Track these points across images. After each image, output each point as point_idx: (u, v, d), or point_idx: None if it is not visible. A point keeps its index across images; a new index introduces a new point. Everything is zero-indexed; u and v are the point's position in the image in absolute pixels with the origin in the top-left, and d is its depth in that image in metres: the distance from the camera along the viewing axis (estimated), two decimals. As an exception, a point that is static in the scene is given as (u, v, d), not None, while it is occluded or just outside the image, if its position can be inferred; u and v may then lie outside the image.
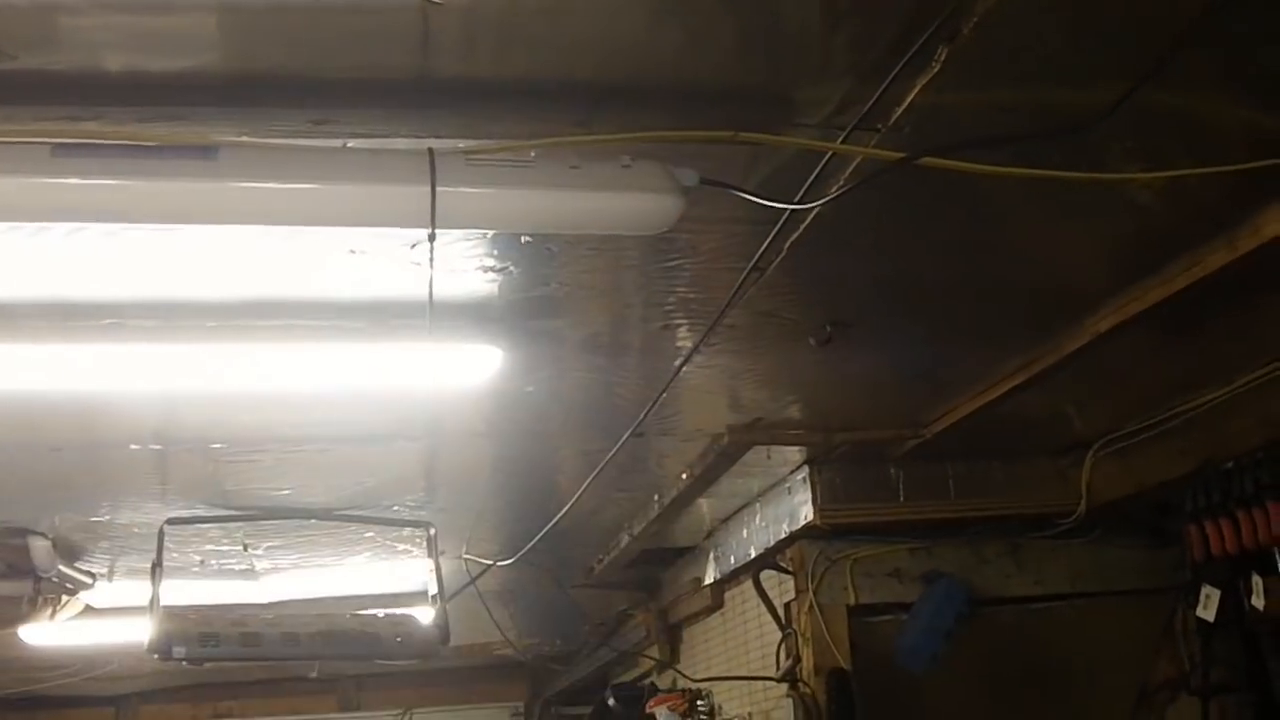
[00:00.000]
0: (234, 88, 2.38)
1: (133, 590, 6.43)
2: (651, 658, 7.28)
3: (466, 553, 6.30)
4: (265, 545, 5.98)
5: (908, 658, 5.01)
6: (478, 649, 8.91)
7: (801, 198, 2.67)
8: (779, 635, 5.38)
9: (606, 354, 3.93)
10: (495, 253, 3.11)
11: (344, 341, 3.55)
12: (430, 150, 2.30)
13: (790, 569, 5.27)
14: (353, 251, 3.04)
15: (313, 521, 5.49)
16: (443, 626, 5.34)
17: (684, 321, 3.67)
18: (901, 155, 2.39)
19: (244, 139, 2.40)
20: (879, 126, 2.48)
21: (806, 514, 4.96)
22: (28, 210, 2.32)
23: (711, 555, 6.18)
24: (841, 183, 2.65)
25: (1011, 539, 5.29)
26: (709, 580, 6.24)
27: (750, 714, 5.94)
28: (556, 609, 8.08)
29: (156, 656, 5.04)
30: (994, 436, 4.82)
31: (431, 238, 2.37)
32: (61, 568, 5.80)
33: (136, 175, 2.22)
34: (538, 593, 7.51)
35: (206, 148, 2.28)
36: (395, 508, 5.58)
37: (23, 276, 3.13)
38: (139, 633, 6.43)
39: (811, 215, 2.83)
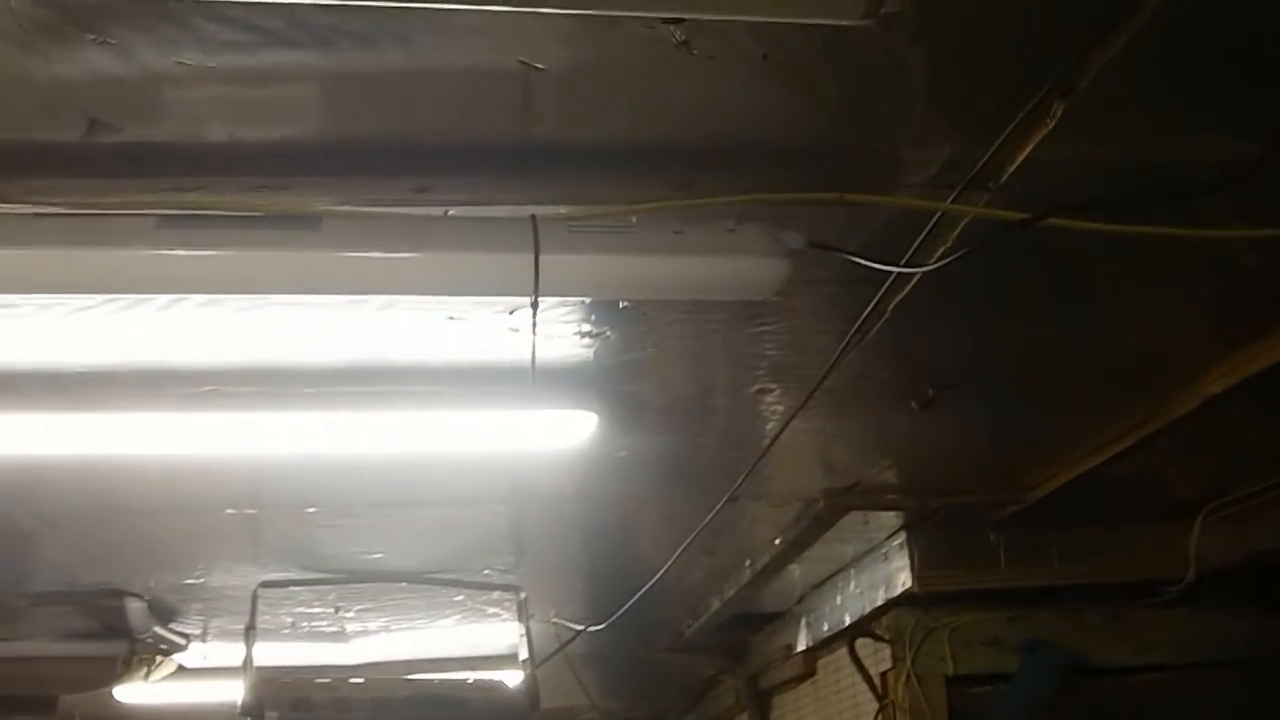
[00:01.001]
0: (335, 156, 2.38)
1: (225, 651, 6.47)
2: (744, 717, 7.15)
3: (555, 616, 6.25)
4: (356, 608, 5.98)
5: (1007, 730, 4.87)
6: (563, 713, 8.82)
7: (909, 259, 2.61)
8: (874, 705, 5.25)
9: (698, 417, 3.89)
10: (593, 317, 3.09)
11: (439, 407, 3.54)
12: (533, 217, 2.28)
13: (886, 637, 5.15)
14: (451, 318, 3.03)
15: (403, 584, 5.48)
16: (532, 692, 5.28)
17: (777, 385, 3.62)
18: (1024, 215, 2.32)
19: (346, 208, 2.40)
20: (989, 185, 2.42)
21: (904, 580, 4.85)
22: (133, 283, 2.33)
23: (803, 621, 6.07)
24: (950, 244, 2.59)
25: (1114, 606, 5.13)
26: (801, 647, 6.12)
27: (845, 785, 5.80)
28: (643, 673, 7.99)
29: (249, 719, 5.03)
30: (1097, 501, 4.69)
31: (534, 305, 2.35)
32: (156, 629, 5.84)
33: (240, 246, 2.23)
34: (624, 656, 7.43)
35: (309, 217, 2.27)
36: (485, 571, 5.56)
37: (122, 345, 3.15)
38: (230, 694, 6.46)
39: (917, 277, 2.77)
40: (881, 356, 3.36)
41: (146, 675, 6.38)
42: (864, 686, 5.36)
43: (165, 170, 2.36)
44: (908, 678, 4.96)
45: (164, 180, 2.38)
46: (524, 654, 5.45)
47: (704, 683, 7.82)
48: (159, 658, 6.29)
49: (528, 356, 3.25)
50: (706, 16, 1.92)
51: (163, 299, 2.88)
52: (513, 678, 5.57)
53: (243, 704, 5.05)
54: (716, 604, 6.13)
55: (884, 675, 5.21)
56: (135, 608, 5.60)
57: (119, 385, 3.37)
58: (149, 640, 5.93)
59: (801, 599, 6.08)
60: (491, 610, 6.10)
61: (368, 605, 5.98)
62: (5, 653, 6.13)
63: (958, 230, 2.59)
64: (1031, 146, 2.31)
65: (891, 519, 4.83)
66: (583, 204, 2.45)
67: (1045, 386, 3.70)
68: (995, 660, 5.03)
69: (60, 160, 2.32)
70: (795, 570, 5.58)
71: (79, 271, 2.28)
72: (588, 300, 2.99)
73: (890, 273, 2.69)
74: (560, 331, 3.15)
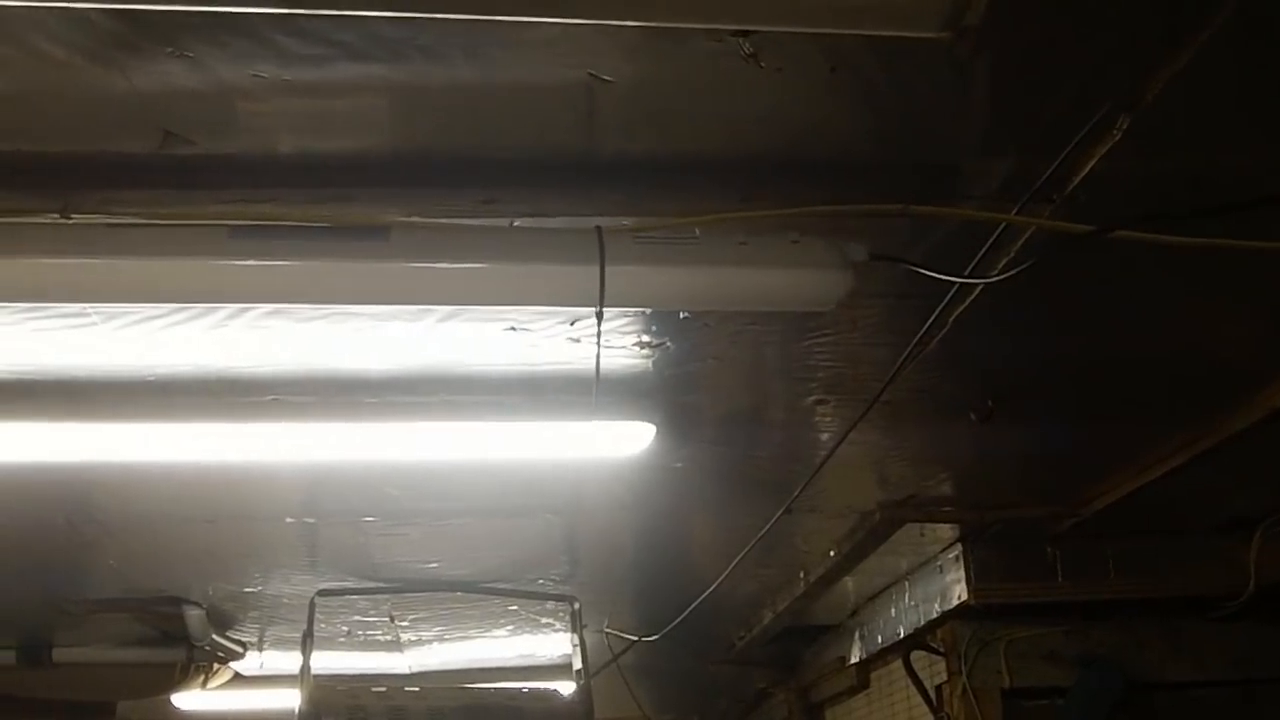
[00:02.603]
0: (403, 168, 2.41)
1: (280, 660, 6.53)
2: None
3: (608, 626, 6.26)
4: (411, 617, 6.01)
5: (1063, 744, 4.83)
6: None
7: (971, 271, 2.60)
8: (929, 718, 5.22)
9: (755, 429, 3.89)
10: (652, 328, 3.10)
11: (497, 417, 3.56)
12: (599, 229, 2.30)
13: (942, 650, 5.13)
14: (512, 328, 3.05)
15: (458, 594, 5.51)
16: (587, 702, 5.29)
17: (834, 397, 3.62)
18: (1090, 227, 2.31)
19: (414, 219, 2.43)
20: (1054, 197, 2.41)
21: (960, 593, 4.82)
22: (205, 292, 2.37)
23: (857, 634, 6.05)
24: (1013, 255, 2.58)
25: (1172, 621, 5.08)
26: (854, 659, 6.10)
27: (898, 799, 5.77)
28: (695, 685, 7.98)
29: (306, 727, 5.08)
30: (1155, 515, 4.65)
31: (599, 315, 2.37)
32: (214, 636, 5.90)
33: (311, 256, 2.26)
34: (676, 668, 7.43)
35: (378, 228, 2.30)
36: (539, 581, 5.58)
37: (187, 355, 3.20)
38: (285, 702, 6.53)
39: (978, 289, 2.76)
40: (940, 369, 3.35)
41: (204, 682, 6.45)
42: (918, 699, 5.33)
43: (237, 182, 2.40)
44: (964, 691, 4.93)
45: (236, 191, 2.42)
46: (578, 664, 5.46)
47: (756, 695, 7.80)
48: (216, 665, 6.36)
49: (587, 367, 3.27)
50: (784, 29, 1.93)
51: (229, 309, 2.92)
52: (566, 688, 5.58)
53: (300, 712, 5.09)
54: (769, 616, 6.12)
55: (939, 688, 5.19)
56: (194, 615, 5.67)
57: (183, 394, 3.41)
58: (207, 648, 5.99)
59: (855, 612, 6.06)
60: (545, 620, 6.12)
61: (422, 614, 6.02)
62: (66, 658, 6.21)
63: (1021, 242, 2.59)
64: (1097, 158, 2.30)
65: (947, 531, 4.81)
66: (647, 215, 2.46)
67: (1105, 399, 3.68)
68: (1051, 674, 4.99)
69: (135, 172, 2.36)
70: (849, 583, 5.56)
71: (153, 281, 2.32)
72: (648, 311, 3.00)
73: (951, 285, 2.68)
74: (620, 342, 3.17)
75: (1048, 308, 3.04)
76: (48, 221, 2.37)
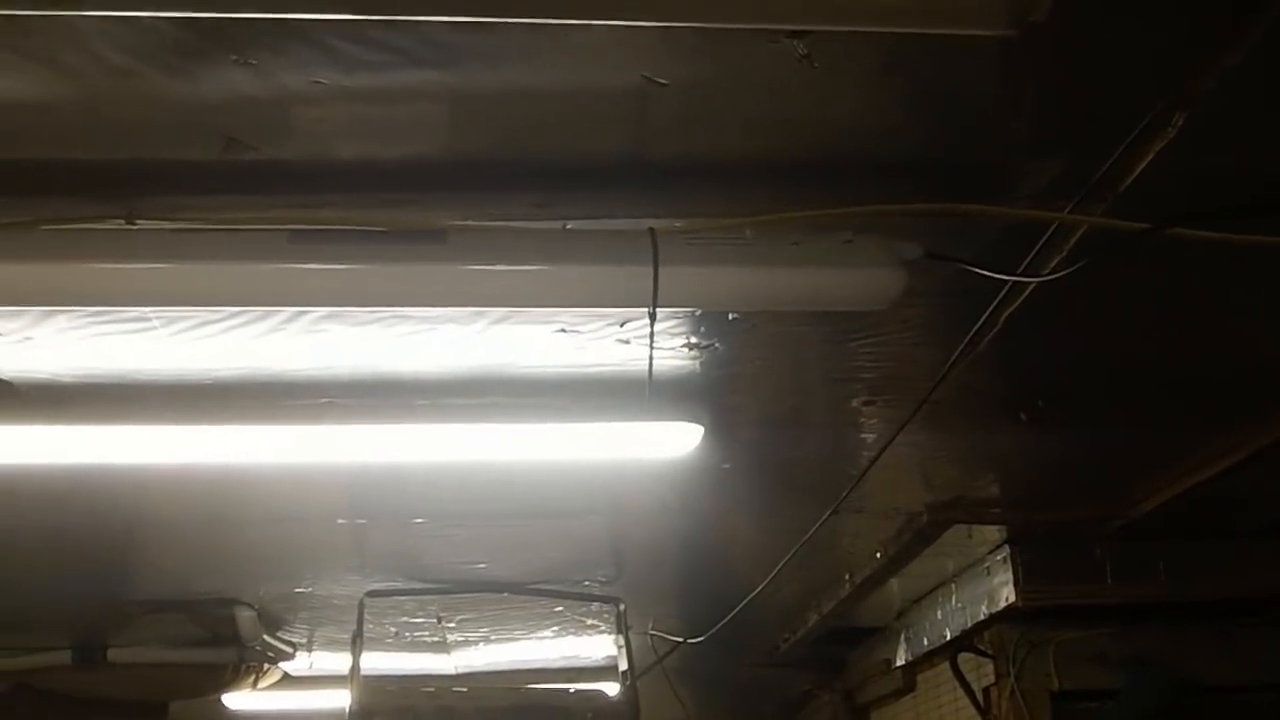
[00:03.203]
0: (459, 172, 2.44)
1: (329, 660, 6.59)
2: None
3: (652, 628, 6.28)
4: (458, 618, 6.06)
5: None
6: (657, 727, 8.84)
7: (1024, 270, 2.61)
8: (976, 720, 5.22)
9: (803, 430, 3.91)
10: (701, 329, 3.12)
11: (547, 419, 3.59)
12: (652, 230, 2.32)
13: (989, 652, 5.12)
14: (562, 330, 3.08)
15: (504, 595, 5.55)
16: (634, 703, 5.32)
17: (882, 398, 3.63)
18: (1145, 225, 2.32)
19: (469, 222, 2.46)
20: (1107, 195, 2.42)
21: (1007, 595, 4.81)
22: (266, 296, 2.41)
23: (902, 636, 6.04)
24: (1066, 254, 2.59)
25: (1222, 624, 5.05)
26: (900, 662, 6.09)
27: (945, 801, 5.76)
28: (739, 688, 7.98)
29: (357, 725, 5.12)
30: (1206, 517, 4.62)
31: (652, 317, 2.39)
32: (265, 637, 5.97)
33: (370, 260, 2.29)
34: (720, 671, 7.44)
35: (435, 231, 2.34)
36: (585, 583, 5.61)
37: (243, 359, 3.24)
38: (333, 702, 6.59)
39: (1030, 288, 2.77)
40: (990, 369, 3.35)
41: (254, 683, 6.51)
42: (965, 702, 5.33)
43: (297, 187, 2.44)
44: (1011, 693, 4.92)
45: (295, 196, 2.46)
46: (624, 665, 5.49)
47: (800, 697, 7.79)
48: (267, 665, 6.42)
49: (635, 369, 3.29)
50: (844, 28, 1.95)
51: (286, 313, 2.97)
52: (612, 689, 5.61)
53: (350, 711, 5.14)
54: (814, 618, 6.12)
55: (987, 690, 5.18)
56: (245, 616, 5.74)
57: (239, 397, 3.46)
58: (258, 648, 6.06)
59: (901, 614, 6.06)
60: (590, 622, 6.15)
61: (469, 615, 6.06)
62: (120, 659, 6.30)
63: (1074, 240, 2.59)
64: (1152, 156, 2.30)
65: (995, 533, 4.80)
66: (699, 217, 2.48)
67: (1156, 399, 3.67)
68: (1100, 677, 4.97)
69: (197, 178, 2.41)
70: (894, 585, 5.56)
71: (215, 285, 2.37)
72: (697, 312, 3.02)
73: (1003, 284, 2.69)
74: (669, 343, 3.19)
75: (1101, 307, 3.03)
76: (112, 228, 2.41)
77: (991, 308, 2.89)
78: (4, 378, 3.38)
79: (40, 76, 2.11)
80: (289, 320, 3.01)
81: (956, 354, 3.12)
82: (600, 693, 5.47)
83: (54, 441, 3.59)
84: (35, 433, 3.55)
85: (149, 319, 3.02)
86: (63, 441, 3.61)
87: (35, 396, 3.45)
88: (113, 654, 6.28)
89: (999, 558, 4.90)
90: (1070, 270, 2.54)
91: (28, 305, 2.85)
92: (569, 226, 2.54)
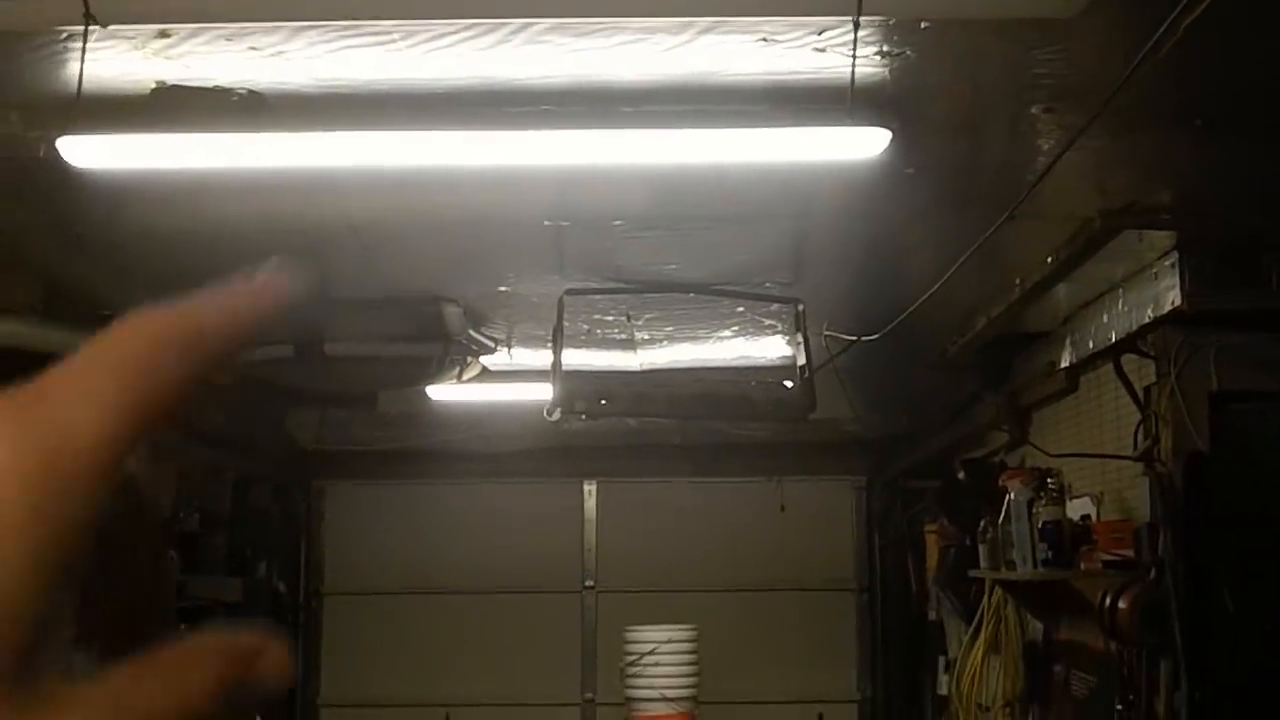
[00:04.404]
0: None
1: (526, 355, 7.14)
2: (1004, 430, 7.44)
3: (827, 329, 6.64)
4: (645, 316, 6.50)
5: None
6: (825, 425, 9.32)
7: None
8: (1135, 419, 5.48)
9: (983, 136, 4.11)
10: (894, 38, 3.34)
11: (743, 124, 3.86)
12: (859, -57, 2.54)
13: (1152, 353, 5.34)
14: (764, 40, 3.33)
15: (691, 295, 5.94)
16: (810, 394, 5.73)
17: (1060, 103, 3.79)
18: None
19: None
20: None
21: (1173, 299, 5.00)
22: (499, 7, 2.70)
23: (1068, 340, 6.29)
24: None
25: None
26: (1065, 364, 6.36)
27: (1102, 493, 6.12)
28: (905, 389, 8.37)
29: (558, 412, 5.65)
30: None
31: (856, 24, 2.63)
32: (470, 332, 6.50)
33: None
34: (887, 373, 7.81)
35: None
36: (766, 284, 5.97)
37: (474, 68, 3.58)
38: (526, 394, 7.16)
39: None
40: (1169, 78, 3.49)
41: (458, 375, 7.10)
42: (1126, 400, 5.59)
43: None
44: (1171, 391, 5.17)
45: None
46: (801, 360, 5.88)
47: (966, 398, 8.13)
48: (469, 359, 6.98)
49: (831, 76, 3.54)
50: None
51: (513, 24, 3.28)
52: (789, 384, 6.03)
53: (553, 398, 5.66)
54: (982, 322, 6.39)
55: (1147, 389, 5.43)
56: (452, 312, 6.25)
57: (464, 105, 3.82)
58: (462, 342, 6.60)
59: (1067, 319, 6.29)
60: (768, 323, 6.54)
61: (655, 314, 6.50)
62: (337, 352, 6.90)
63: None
64: None
65: (1164, 239, 4.96)
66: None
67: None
68: (1260, 380, 5.17)
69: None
70: (1061, 290, 5.77)
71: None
72: (891, 21, 3.24)
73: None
74: (863, 52, 3.41)
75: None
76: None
77: (1173, 16, 3.04)
78: (255, 89, 3.79)
79: None
80: (516, 31, 3.33)
81: (1137, 62, 3.29)
82: (779, 384, 5.89)
83: (295, 148, 4.00)
84: (279, 139, 3.96)
85: (390, 33, 3.36)
86: (312, 149, 4.02)
87: (281, 107, 3.85)
88: (329, 348, 6.88)
89: (1167, 263, 5.08)
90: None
91: (285, 21, 3.22)
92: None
